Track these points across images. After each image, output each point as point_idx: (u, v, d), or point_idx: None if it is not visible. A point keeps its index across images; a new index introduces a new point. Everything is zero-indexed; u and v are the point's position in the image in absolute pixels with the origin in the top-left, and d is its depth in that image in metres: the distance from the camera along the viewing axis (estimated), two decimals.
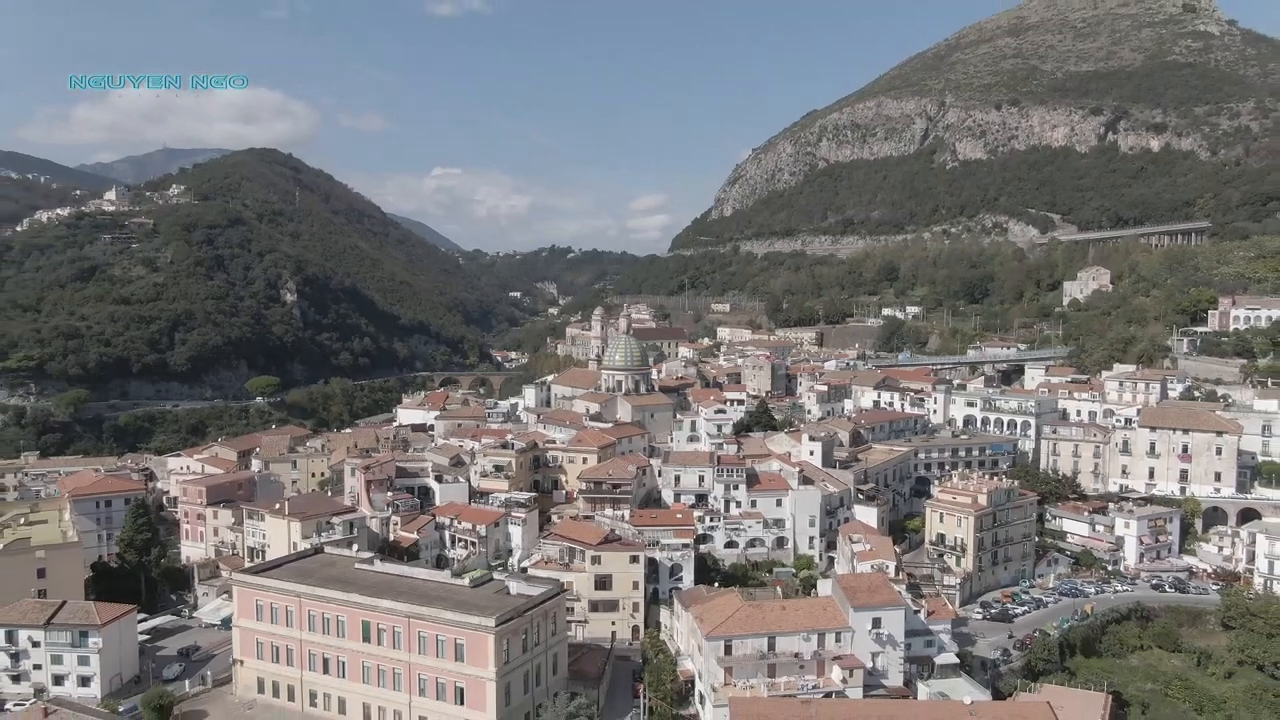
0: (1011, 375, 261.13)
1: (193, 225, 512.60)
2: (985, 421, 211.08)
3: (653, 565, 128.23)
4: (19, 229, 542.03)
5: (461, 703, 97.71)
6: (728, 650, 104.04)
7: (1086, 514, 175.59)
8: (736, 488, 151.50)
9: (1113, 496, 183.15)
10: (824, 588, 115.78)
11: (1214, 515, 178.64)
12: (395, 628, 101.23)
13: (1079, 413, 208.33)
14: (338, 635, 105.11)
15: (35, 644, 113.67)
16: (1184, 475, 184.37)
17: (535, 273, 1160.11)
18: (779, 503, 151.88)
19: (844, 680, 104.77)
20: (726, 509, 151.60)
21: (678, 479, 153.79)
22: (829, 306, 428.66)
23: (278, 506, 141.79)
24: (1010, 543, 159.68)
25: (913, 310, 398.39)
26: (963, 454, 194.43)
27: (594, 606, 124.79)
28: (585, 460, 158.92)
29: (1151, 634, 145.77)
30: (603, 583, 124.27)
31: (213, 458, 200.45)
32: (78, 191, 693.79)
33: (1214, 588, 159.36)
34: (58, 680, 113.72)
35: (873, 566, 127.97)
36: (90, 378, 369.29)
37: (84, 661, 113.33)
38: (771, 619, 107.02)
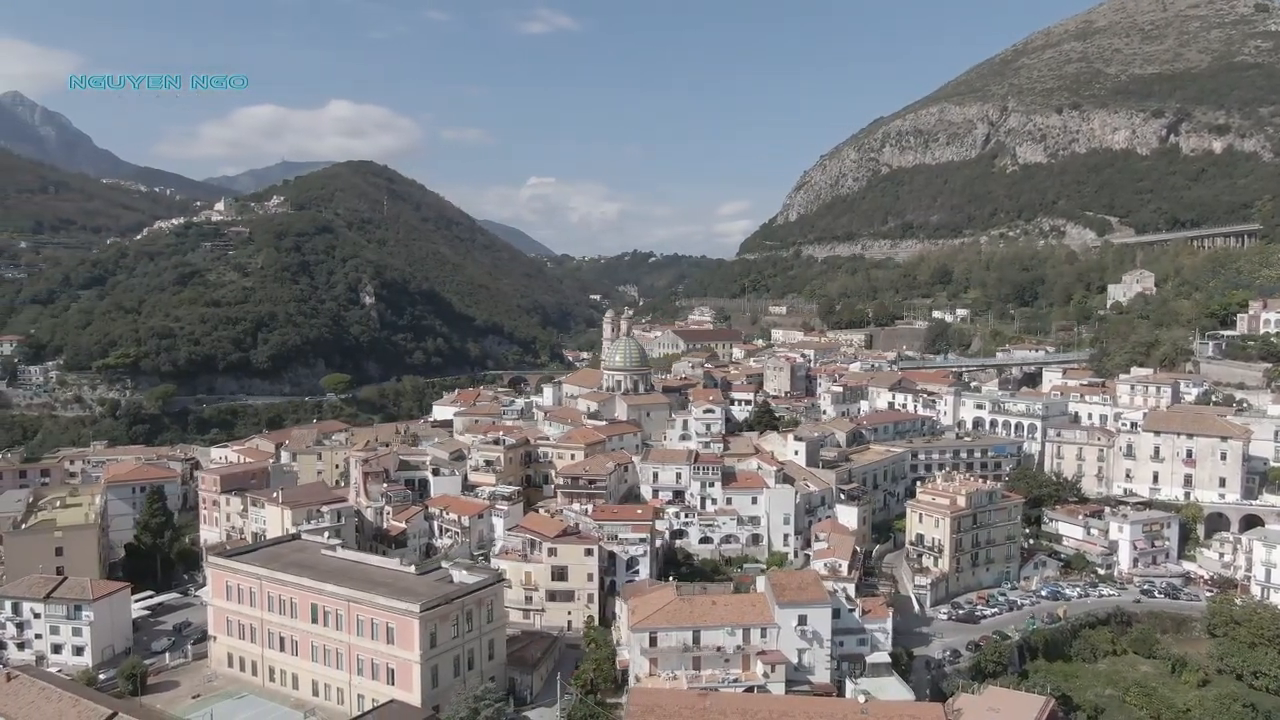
0: (1036, 378, 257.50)
1: (283, 233, 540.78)
2: (994, 424, 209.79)
3: (613, 558, 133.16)
4: (137, 238, 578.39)
5: (392, 683, 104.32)
6: (653, 642, 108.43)
7: (1081, 517, 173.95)
8: (712, 485, 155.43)
9: (1115, 500, 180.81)
10: (760, 584, 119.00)
11: (1218, 521, 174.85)
12: (338, 611, 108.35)
13: (1090, 416, 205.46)
14: (291, 616, 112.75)
15: (36, 615, 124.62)
16: (1188, 480, 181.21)
17: (618, 276, 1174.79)
18: (754, 500, 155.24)
19: (765, 675, 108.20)
20: (702, 505, 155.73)
21: (656, 476, 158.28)
22: (879, 309, 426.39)
23: (275, 495, 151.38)
24: (993, 544, 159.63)
25: (962, 313, 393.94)
26: (964, 455, 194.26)
27: (551, 596, 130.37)
28: (573, 456, 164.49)
29: (1129, 640, 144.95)
30: (559, 574, 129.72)
31: (252, 449, 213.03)
32: (198, 203, 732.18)
33: (1207, 595, 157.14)
34: (56, 649, 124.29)
35: (825, 565, 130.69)
36: (180, 374, 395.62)
37: (77, 633, 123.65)
38: (699, 613, 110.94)
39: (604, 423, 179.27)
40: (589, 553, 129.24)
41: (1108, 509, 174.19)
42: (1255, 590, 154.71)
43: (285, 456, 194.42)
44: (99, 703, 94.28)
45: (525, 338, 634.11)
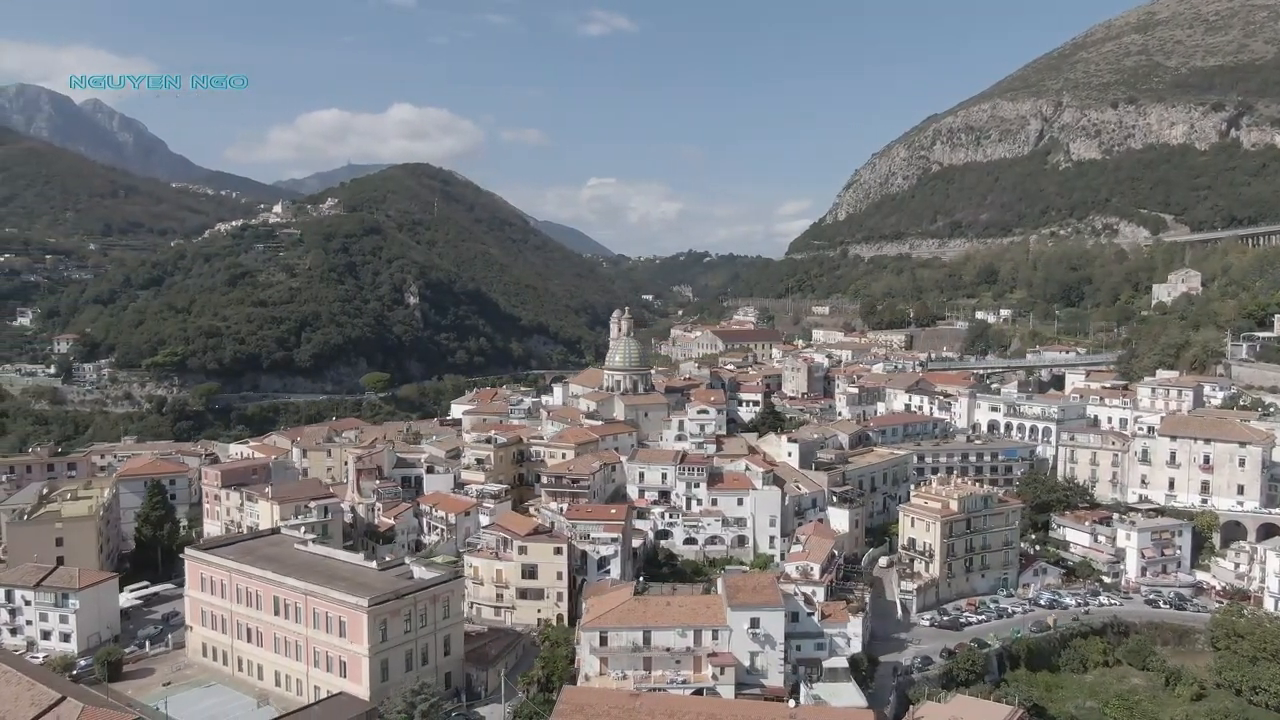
0: (1064, 381, 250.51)
1: (332, 234, 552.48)
2: (1009, 427, 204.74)
3: (585, 557, 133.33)
4: (196, 240, 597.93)
5: (344, 675, 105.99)
6: (603, 641, 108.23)
7: (1088, 524, 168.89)
8: (698, 485, 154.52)
9: (1127, 507, 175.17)
10: (720, 586, 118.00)
11: (1235, 530, 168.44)
12: (296, 604, 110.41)
13: (1109, 420, 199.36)
14: (257, 608, 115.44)
15: (28, 602, 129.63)
16: (1205, 487, 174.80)
17: (672, 276, 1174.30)
18: (740, 502, 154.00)
19: (715, 677, 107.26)
20: (688, 506, 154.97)
21: (642, 475, 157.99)
22: (920, 309, 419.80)
23: (266, 491, 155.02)
24: (989, 550, 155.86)
25: (1005, 314, 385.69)
26: (973, 459, 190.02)
27: (522, 594, 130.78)
28: (564, 455, 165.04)
29: (1124, 651, 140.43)
30: (530, 572, 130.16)
31: (269, 445, 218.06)
32: (261, 205, 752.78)
33: (1217, 606, 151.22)
34: (45, 635, 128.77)
35: (797, 568, 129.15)
36: (225, 372, 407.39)
37: (64, 620, 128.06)
38: (652, 614, 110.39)
39: (600, 422, 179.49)
40: (558, 551, 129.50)
41: (1115, 515, 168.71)
42: (1268, 602, 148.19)
43: (296, 453, 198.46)
44: (54, 687, 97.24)
45: (571, 337, 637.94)
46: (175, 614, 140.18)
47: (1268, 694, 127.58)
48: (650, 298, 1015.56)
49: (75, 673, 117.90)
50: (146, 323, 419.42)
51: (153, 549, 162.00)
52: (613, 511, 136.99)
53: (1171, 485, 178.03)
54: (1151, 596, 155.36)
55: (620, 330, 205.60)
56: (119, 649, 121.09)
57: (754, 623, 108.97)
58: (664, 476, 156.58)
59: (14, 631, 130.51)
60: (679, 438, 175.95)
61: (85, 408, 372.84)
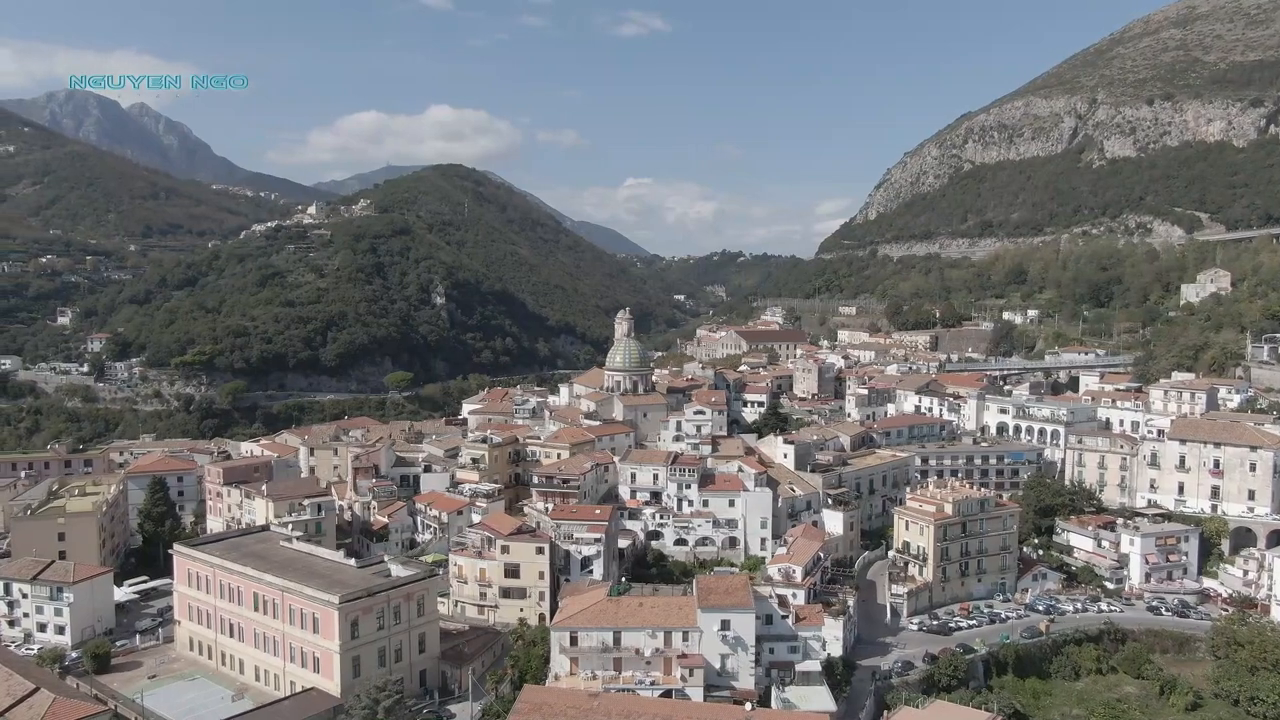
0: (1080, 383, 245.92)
1: (361, 235, 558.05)
2: (1017, 429, 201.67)
3: (568, 557, 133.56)
4: (230, 241, 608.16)
5: (317, 671, 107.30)
6: (573, 641, 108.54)
7: (1091, 529, 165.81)
8: (689, 487, 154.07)
9: (1133, 512, 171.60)
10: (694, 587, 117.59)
11: (1245, 536, 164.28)
12: (274, 600, 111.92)
13: (1121, 422, 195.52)
14: (238, 604, 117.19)
15: (25, 595, 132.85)
16: (1215, 492, 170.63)
17: (706, 276, 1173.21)
18: (731, 503, 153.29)
19: (684, 679, 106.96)
20: (679, 507, 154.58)
21: (634, 476, 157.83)
22: (946, 310, 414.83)
23: (263, 489, 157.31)
24: (985, 554, 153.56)
25: (1032, 314, 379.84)
26: (978, 461, 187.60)
27: (505, 593, 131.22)
28: (559, 455, 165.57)
29: (1119, 658, 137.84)
30: (512, 571, 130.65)
31: (279, 444, 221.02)
32: (298, 207, 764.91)
33: (1222, 614, 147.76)
34: (41, 628, 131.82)
35: (779, 570, 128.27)
36: (252, 370, 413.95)
37: (59, 613, 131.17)
38: (623, 614, 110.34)
39: (598, 423, 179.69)
40: (540, 551, 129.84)
41: (1119, 521, 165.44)
42: (1276, 611, 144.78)
43: (304, 452, 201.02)
44: (31, 678, 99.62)
45: (599, 337, 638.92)
46: (170, 608, 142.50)
47: (1265, 705, 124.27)
48: (682, 298, 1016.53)
49: (65, 664, 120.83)
50: (177, 322, 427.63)
51: (158, 544, 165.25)
52: (597, 512, 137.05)
53: (1181, 490, 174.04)
54: (1154, 603, 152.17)
55: (622, 331, 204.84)
56: (107, 642, 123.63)
57: (724, 625, 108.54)
58: (655, 477, 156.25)
59: (12, 624, 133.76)
60: (676, 438, 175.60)
61: (116, 405, 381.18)
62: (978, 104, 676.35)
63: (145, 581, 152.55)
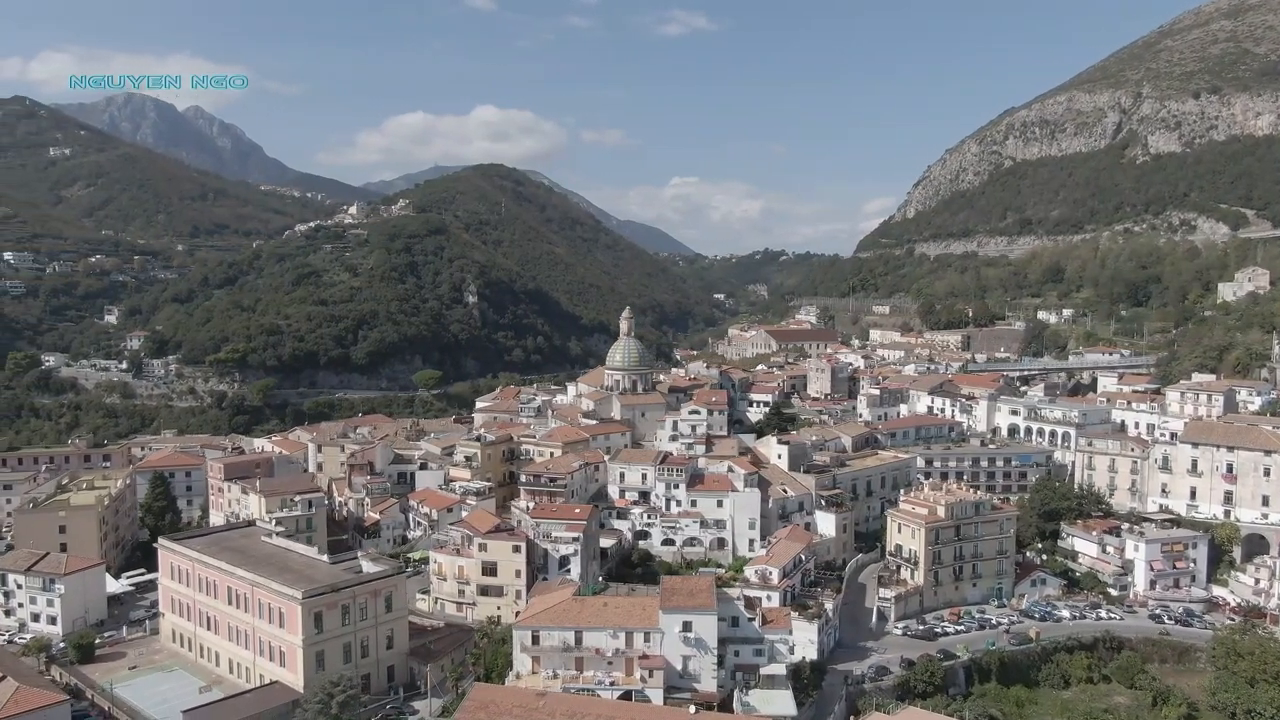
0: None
1: (396, 235, 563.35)
2: (1029, 431, 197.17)
3: (546, 556, 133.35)
4: (271, 241, 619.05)
5: (283, 665, 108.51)
6: (535, 640, 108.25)
7: (1096, 534, 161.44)
8: (677, 486, 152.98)
9: (1140, 517, 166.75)
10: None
11: (1258, 544, 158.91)
12: (246, 594, 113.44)
13: (1136, 424, 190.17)
14: (215, 598, 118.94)
15: (20, 586, 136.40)
16: (1228, 497, 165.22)
17: (748, 275, 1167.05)
18: (719, 504, 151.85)
19: (644, 680, 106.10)
20: (666, 507, 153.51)
21: (623, 476, 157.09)
22: (979, 309, 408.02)
23: (257, 484, 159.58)
24: (980, 558, 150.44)
25: (1068, 313, 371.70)
26: (984, 464, 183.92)
27: (483, 591, 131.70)
28: (552, 454, 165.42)
29: (1113, 667, 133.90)
30: (489, 569, 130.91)
31: (291, 440, 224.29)
32: (344, 207, 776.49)
33: (1228, 623, 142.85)
34: (35, 618, 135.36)
35: (755, 572, 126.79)
36: (284, 368, 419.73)
37: (51, 604, 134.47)
38: (586, 614, 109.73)
39: (595, 422, 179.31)
40: (516, 549, 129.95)
41: (1125, 526, 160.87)
42: None
43: (312, 448, 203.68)
44: (4, 667, 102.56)
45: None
46: None
47: (1263, 718, 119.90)
48: (722, 296, 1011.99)
49: (50, 654, 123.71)
50: (213, 320, 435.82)
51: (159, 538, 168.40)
52: (577, 511, 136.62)
53: (1193, 495, 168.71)
54: (1157, 611, 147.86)
55: (623, 330, 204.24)
56: (92, 633, 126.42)
57: (686, 626, 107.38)
58: (644, 477, 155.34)
59: (8, 613, 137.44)
60: (673, 438, 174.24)
61: (152, 402, 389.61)
62: (1023, 99, 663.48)
63: (143, 574, 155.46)
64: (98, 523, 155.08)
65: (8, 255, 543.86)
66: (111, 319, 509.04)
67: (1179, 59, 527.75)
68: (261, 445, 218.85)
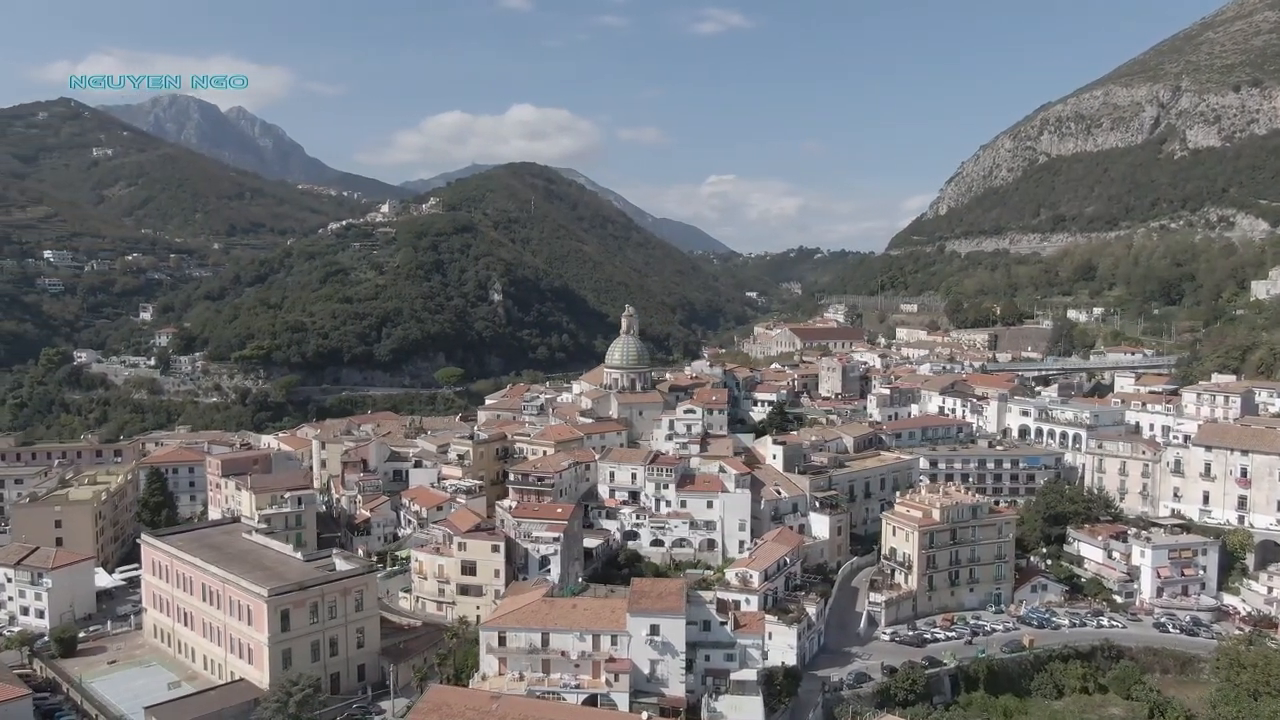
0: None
1: (423, 233, 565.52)
2: (1039, 432, 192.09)
3: (526, 555, 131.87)
4: (305, 239, 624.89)
5: (251, 662, 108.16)
6: (501, 641, 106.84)
7: (1102, 539, 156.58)
8: (666, 487, 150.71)
9: (1151, 521, 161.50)
10: None
11: (1272, 551, 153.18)
12: (218, 590, 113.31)
13: (1151, 426, 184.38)
14: (190, 594, 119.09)
15: (9, 580, 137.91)
16: (1242, 502, 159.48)
17: (782, 273, 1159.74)
18: (709, 504, 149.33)
19: (610, 683, 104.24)
20: (656, 507, 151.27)
21: (612, 475, 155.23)
22: (1007, 308, 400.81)
23: (249, 480, 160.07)
24: (977, 563, 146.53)
25: (1098, 312, 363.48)
26: (990, 465, 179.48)
27: (463, 590, 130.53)
28: (545, 453, 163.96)
29: (1110, 677, 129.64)
30: (469, 568, 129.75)
31: (298, 437, 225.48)
32: (378, 205, 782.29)
33: (1237, 633, 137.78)
34: (24, 611, 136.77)
35: (736, 575, 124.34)
36: (308, 365, 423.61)
37: (39, 597, 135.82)
38: (555, 616, 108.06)
39: (591, 420, 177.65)
40: (495, 549, 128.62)
41: (1131, 531, 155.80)
42: None
43: (316, 445, 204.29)
44: None
45: (659, 334, 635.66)
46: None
47: None
48: (754, 294, 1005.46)
49: (33, 648, 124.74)
50: (240, 318, 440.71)
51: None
52: (559, 510, 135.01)
53: (1206, 499, 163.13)
54: (1163, 620, 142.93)
55: (624, 328, 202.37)
56: (74, 626, 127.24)
57: (654, 629, 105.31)
58: (634, 476, 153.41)
59: None
60: (669, 437, 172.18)
61: (179, 398, 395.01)
62: (1058, 94, 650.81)
63: (135, 569, 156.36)
64: (93, 518, 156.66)
65: (47, 253, 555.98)
66: (146, 316, 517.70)
67: (1220, 51, 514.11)
68: (268, 442, 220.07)
